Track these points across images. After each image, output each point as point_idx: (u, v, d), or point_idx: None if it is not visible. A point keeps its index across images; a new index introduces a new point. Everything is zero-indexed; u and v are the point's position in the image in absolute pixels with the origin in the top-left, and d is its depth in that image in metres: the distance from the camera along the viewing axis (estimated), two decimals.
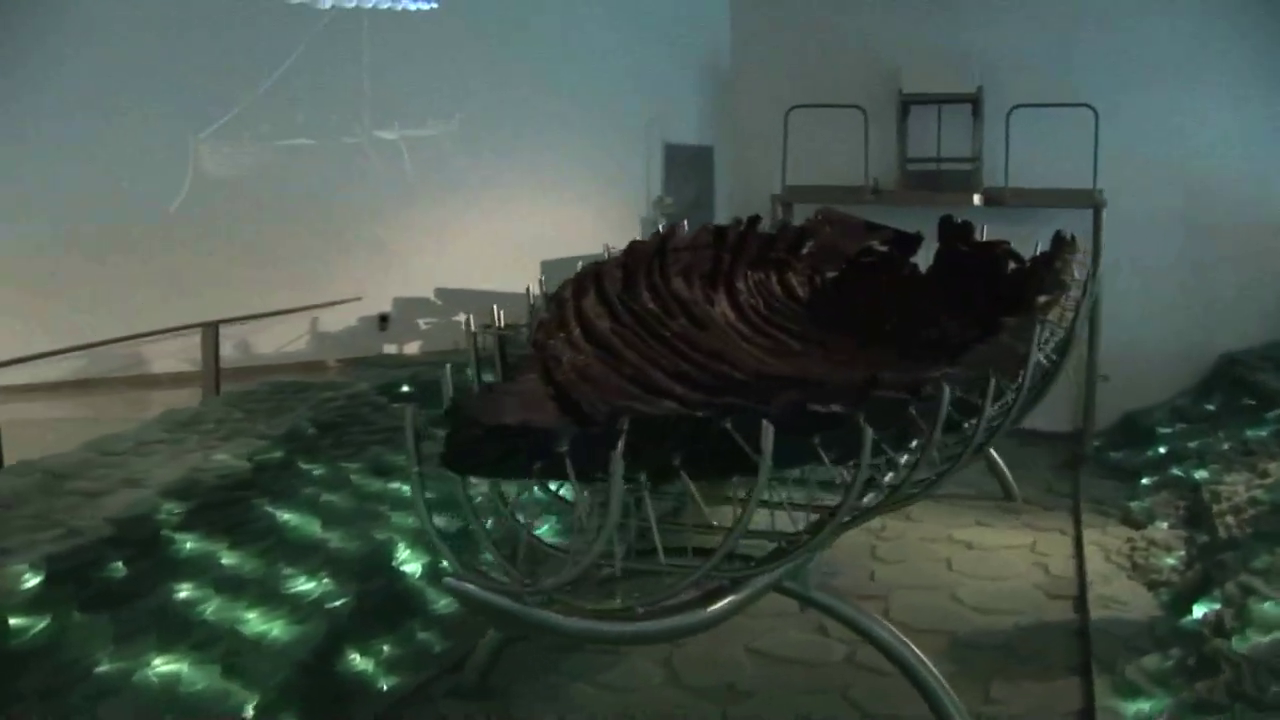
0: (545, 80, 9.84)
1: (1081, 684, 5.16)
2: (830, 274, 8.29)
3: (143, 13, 8.17)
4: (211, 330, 7.13)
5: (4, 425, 6.14)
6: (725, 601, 3.81)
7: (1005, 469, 8.10)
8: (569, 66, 9.98)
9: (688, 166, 10.60)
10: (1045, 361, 5.65)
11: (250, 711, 4.38)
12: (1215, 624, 5.28)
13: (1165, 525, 7.21)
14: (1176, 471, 8.00)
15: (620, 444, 2.99)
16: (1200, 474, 7.63)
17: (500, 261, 8.70)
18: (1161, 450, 8.62)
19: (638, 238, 6.83)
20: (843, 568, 6.73)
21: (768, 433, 3.28)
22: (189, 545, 5.09)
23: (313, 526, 5.75)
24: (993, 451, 8.08)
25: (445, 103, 9.57)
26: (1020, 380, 4.91)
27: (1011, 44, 9.45)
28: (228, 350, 7.92)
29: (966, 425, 4.58)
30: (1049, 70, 9.33)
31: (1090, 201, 9.09)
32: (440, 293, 9.35)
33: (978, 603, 6.18)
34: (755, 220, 7.67)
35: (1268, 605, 5.22)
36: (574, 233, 9.14)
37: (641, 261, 6.47)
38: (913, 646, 4.52)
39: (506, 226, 9.46)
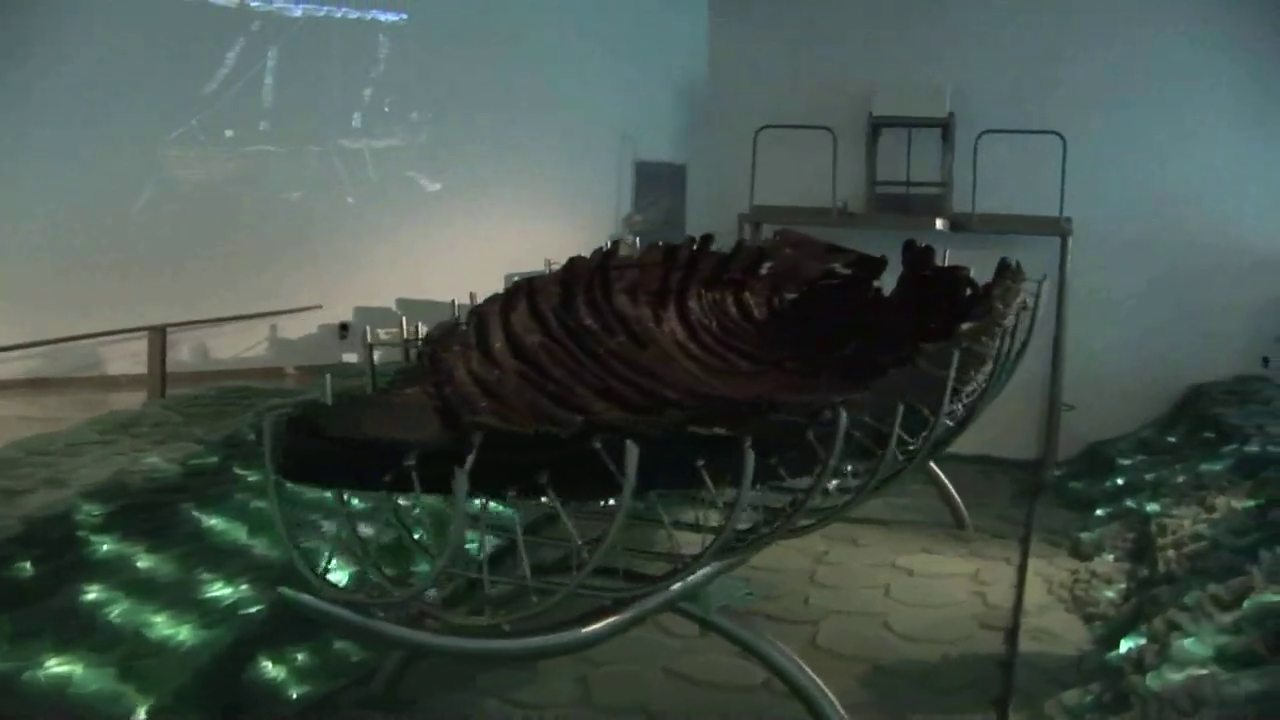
0: (515, 94, 9.86)
1: (996, 717, 5.10)
2: (790, 295, 8.28)
3: (106, 19, 8.19)
4: (158, 334, 7.13)
5: None
6: (604, 622, 3.77)
7: (956, 496, 8.05)
8: (540, 80, 10.01)
9: (660, 184, 10.61)
10: (973, 388, 5.62)
11: (142, 715, 4.35)
12: (1137, 660, 5.23)
13: (1111, 558, 7.14)
14: (1130, 503, 7.93)
15: (470, 460, 2.97)
16: (1152, 507, 7.56)
17: (465, 273, 8.66)
18: (1119, 481, 8.54)
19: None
20: (778, 590, 6.69)
21: (631, 453, 3.25)
22: (105, 547, 5.08)
23: (238, 533, 5.73)
24: (943, 477, 8.06)
25: (412, 114, 9.61)
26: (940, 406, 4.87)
27: (983, 70, 9.43)
28: (185, 355, 7.93)
29: (881, 453, 4.55)
30: (1019, 96, 9.31)
31: (1057, 229, 9.06)
32: (401, 303, 9.36)
33: (908, 631, 6.12)
34: (708, 239, 7.66)
35: (1188, 642, 5.15)
36: (541, 246, 9.12)
37: (581, 277, 6.46)
38: (810, 674, 4.47)
39: (472, 239, 9.46)
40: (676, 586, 4.18)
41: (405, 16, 9.29)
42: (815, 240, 8.65)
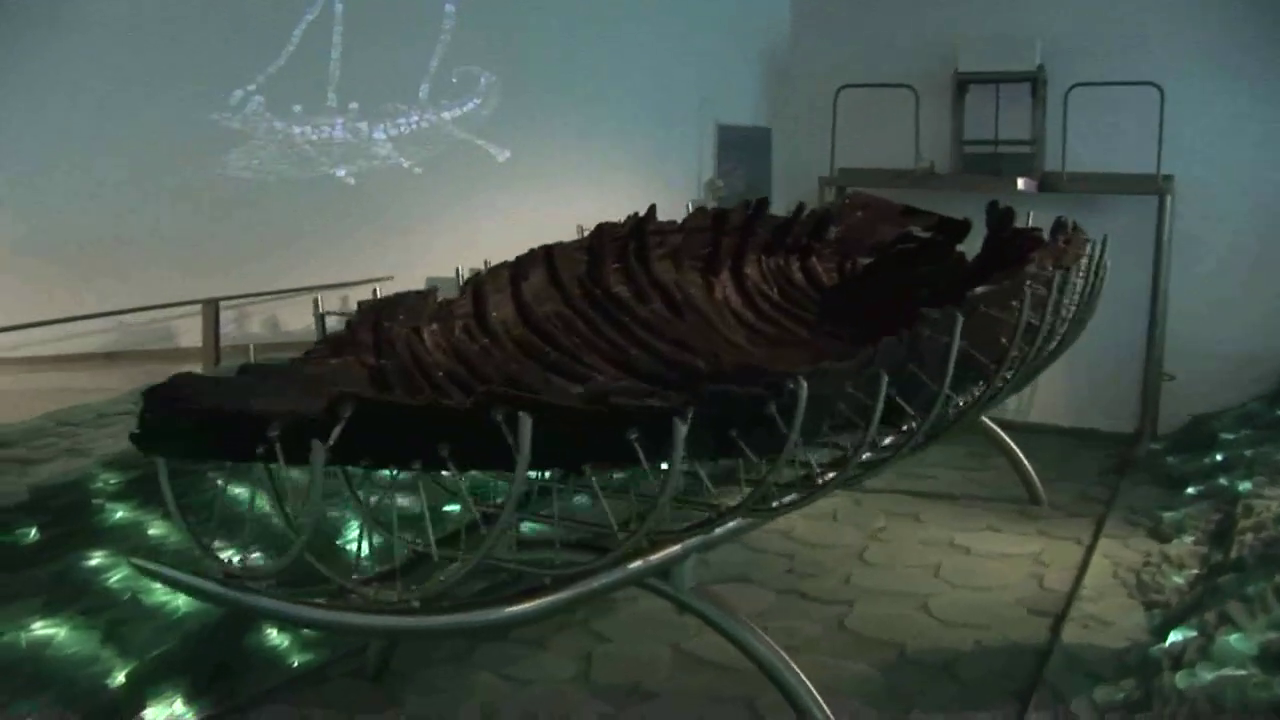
0: (590, 57, 9.58)
1: (1014, 713, 4.66)
2: (863, 261, 7.84)
3: None
4: (211, 307, 7.17)
5: None
6: (537, 601, 3.53)
7: (1030, 470, 7.49)
8: (616, 43, 9.69)
9: (743, 149, 10.20)
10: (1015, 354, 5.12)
11: (120, 678, 4.33)
12: (1178, 655, 4.71)
13: (1190, 540, 6.53)
14: (1223, 481, 7.25)
15: (337, 431, 2.77)
16: (1244, 485, 6.88)
17: (538, 243, 8.51)
18: (1218, 458, 7.83)
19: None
20: (820, 568, 6.33)
21: (524, 425, 2.99)
22: (117, 514, 5.08)
23: (261, 501, 5.68)
24: (1016, 450, 7.53)
25: (483, 80, 9.44)
26: (946, 375, 4.43)
27: (1074, 19, 8.69)
28: (256, 328, 7.98)
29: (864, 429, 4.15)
30: (1113, 47, 8.55)
31: (1154, 188, 8.33)
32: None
33: (947, 615, 5.68)
34: (764, 203, 7.28)
35: (1234, 638, 4.61)
36: (618, 215, 8.87)
37: (610, 244, 6.20)
38: (788, 660, 4.14)
39: (546, 207, 9.25)
40: (639, 563, 3.93)
41: None
42: (888, 203, 8.17)
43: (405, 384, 3.83)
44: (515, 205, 9.16)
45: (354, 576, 3.46)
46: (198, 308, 7.66)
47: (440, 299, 4.68)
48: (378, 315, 3.98)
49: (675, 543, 4.08)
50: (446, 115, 9.32)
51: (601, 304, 5.94)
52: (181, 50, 8.21)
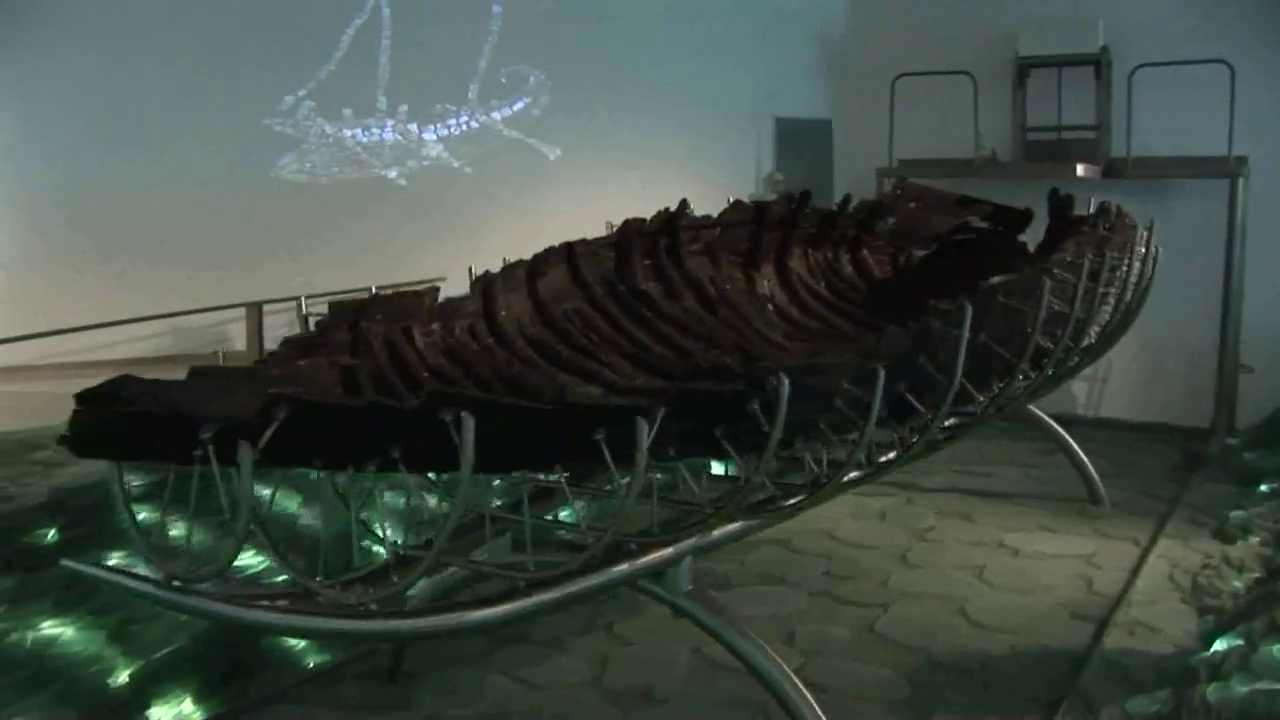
0: (641, 52, 9.40)
1: None
2: (918, 253, 7.57)
3: None
4: (255, 310, 7.22)
5: (41, 398, 6.41)
6: (507, 606, 3.40)
7: (1090, 467, 7.11)
8: (668, 37, 9.49)
9: (803, 141, 9.93)
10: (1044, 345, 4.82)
11: (124, 678, 4.34)
12: (1218, 664, 4.39)
13: (1256, 541, 6.14)
14: None
15: (269, 434, 2.68)
16: None
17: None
18: None
19: None
20: (859, 569, 6.09)
21: (467, 426, 2.86)
22: (139, 516, 5.10)
23: (288, 502, 5.67)
24: (1074, 446, 7.17)
25: (532, 79, 9.35)
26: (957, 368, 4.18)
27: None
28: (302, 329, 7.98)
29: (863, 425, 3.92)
30: (1180, 25, 8.10)
31: (1226, 170, 7.87)
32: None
33: (985, 619, 5.41)
34: (806, 196, 7.06)
35: (1277, 649, 4.29)
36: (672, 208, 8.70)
37: (637, 240, 6.05)
38: (785, 668, 3.95)
39: (598, 205, 9.10)
40: (625, 566, 3.78)
41: None
42: (942, 192, 7.86)
43: (379, 385, 3.74)
44: (568, 204, 9.04)
45: (317, 579, 3.38)
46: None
47: (442, 299, 4.58)
48: (355, 316, 3.90)
49: (666, 545, 3.93)
50: (496, 115, 9.26)
51: (627, 301, 5.80)
52: (232, 56, 8.28)
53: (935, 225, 7.59)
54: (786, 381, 3.44)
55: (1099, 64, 8.32)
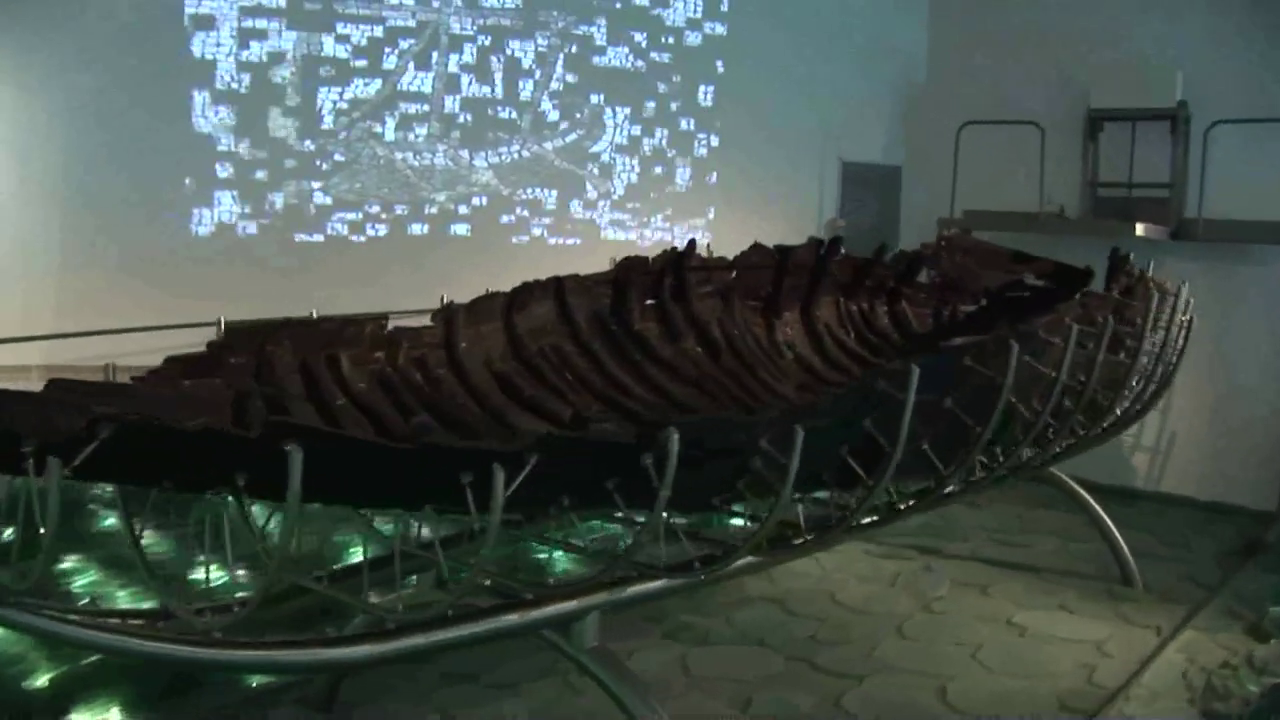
0: (707, 83, 9.22)
1: None
2: (966, 309, 7.19)
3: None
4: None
5: None
6: (359, 648, 3.25)
7: (1124, 547, 6.59)
8: (734, 73, 9.30)
9: (869, 187, 9.62)
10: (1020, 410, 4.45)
11: (44, 680, 4.33)
12: None
13: None
14: None
15: (87, 451, 2.60)
16: None
17: None
18: None
19: None
20: (848, 635, 5.75)
21: (294, 459, 2.74)
22: (107, 521, 5.16)
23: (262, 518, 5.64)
24: (1108, 522, 6.67)
25: (587, 110, 9.24)
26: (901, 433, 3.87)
27: (1218, 49, 7.72)
28: None
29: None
30: (1263, 79, 7.53)
31: None
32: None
33: (963, 703, 5.01)
34: (837, 242, 6.78)
35: None
36: (731, 250, 8.51)
37: (638, 279, 5.86)
38: None
39: (653, 240, 9.01)
40: (514, 616, 3.60)
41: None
42: (993, 246, 7.49)
43: (275, 410, 3.64)
44: (623, 238, 8.93)
45: (180, 603, 3.29)
46: None
47: (390, 328, 4.48)
48: (263, 339, 3.82)
49: (570, 597, 3.73)
50: (548, 145, 9.20)
51: (617, 340, 5.62)
52: (284, 78, 8.42)
53: (986, 280, 7.21)
54: (675, 437, 3.22)
55: (1175, 118, 7.81)
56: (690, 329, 5.99)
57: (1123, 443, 8.33)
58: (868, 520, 4.45)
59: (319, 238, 8.64)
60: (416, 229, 8.97)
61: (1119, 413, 5.58)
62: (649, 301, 5.95)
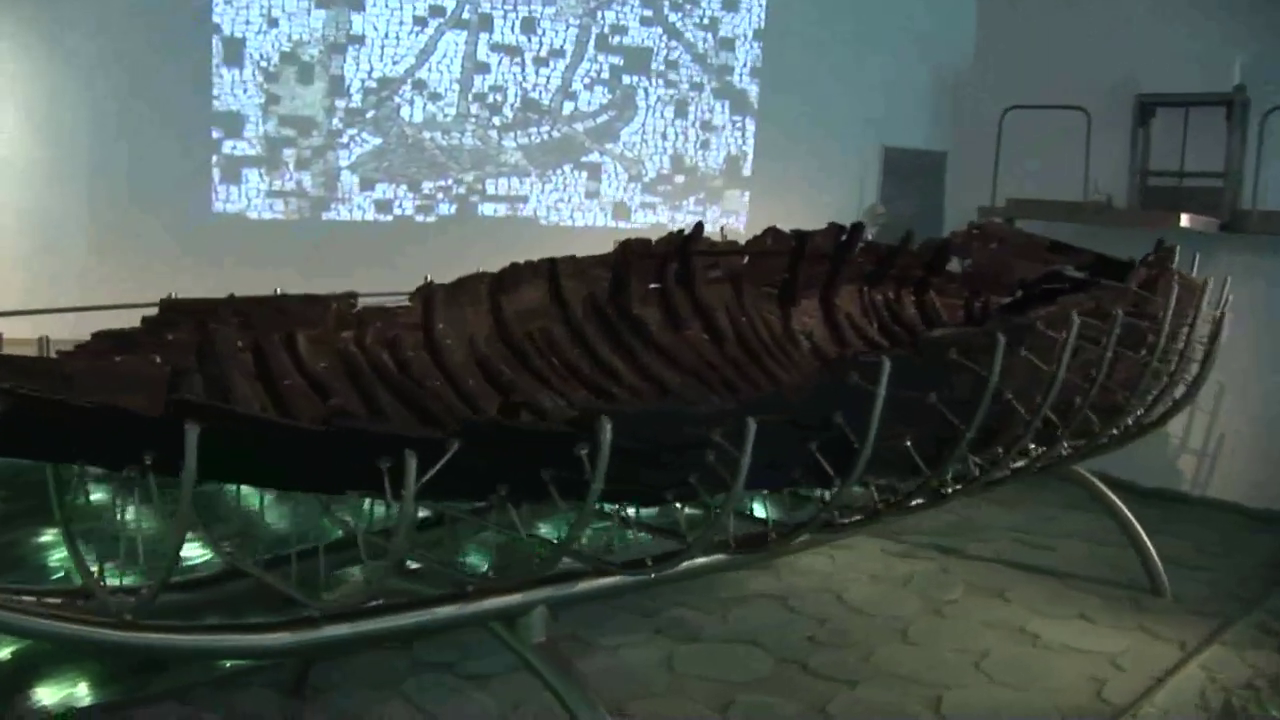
0: (745, 65, 8.93)
1: None
2: (999, 300, 6.86)
3: None
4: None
5: None
6: (274, 636, 3.11)
7: (1154, 555, 6.22)
8: (774, 57, 9.00)
9: (913, 174, 9.26)
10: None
11: (4, 654, 4.28)
12: None
13: None
14: None
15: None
16: None
17: None
18: None
19: None
20: (847, 638, 5.49)
21: (190, 435, 2.61)
22: (95, 497, 5.08)
23: (255, 499, 5.55)
24: (1138, 528, 6.30)
25: (618, 92, 9.00)
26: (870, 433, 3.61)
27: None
28: None
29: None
30: None
31: None
32: None
33: (957, 714, 4.72)
34: (859, 228, 6.48)
35: None
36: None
37: (638, 262, 5.64)
38: None
39: (686, 224, 8.73)
40: (453, 608, 3.44)
41: None
42: (1030, 235, 7.16)
43: (215, 389, 3.52)
44: (654, 221, 8.71)
45: (98, 582, 3.18)
46: None
47: (360, 307, 4.33)
48: (205, 316, 3.69)
49: (515, 590, 3.56)
50: (579, 126, 9.00)
51: (612, 325, 5.41)
52: (311, 55, 8.33)
53: (1020, 271, 6.86)
54: (608, 427, 3.02)
55: (1231, 104, 7.35)
56: (695, 315, 5.76)
57: (1168, 444, 7.93)
58: (848, 521, 4.21)
59: (345, 216, 8.55)
60: (444, 209, 8.83)
61: (1138, 413, 5.23)
62: (652, 286, 5.73)
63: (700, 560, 3.95)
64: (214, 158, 8.25)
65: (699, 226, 5.90)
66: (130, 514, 3.08)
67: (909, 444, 3.86)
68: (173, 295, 3.87)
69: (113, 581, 3.38)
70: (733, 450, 3.28)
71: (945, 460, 3.93)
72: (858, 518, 4.24)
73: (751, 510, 4.26)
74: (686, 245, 5.82)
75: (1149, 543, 6.24)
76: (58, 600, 3.26)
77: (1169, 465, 7.92)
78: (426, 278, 4.82)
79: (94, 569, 3.31)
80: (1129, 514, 6.26)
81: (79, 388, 3.15)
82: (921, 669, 5.16)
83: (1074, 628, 5.73)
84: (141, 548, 3.07)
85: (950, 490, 4.36)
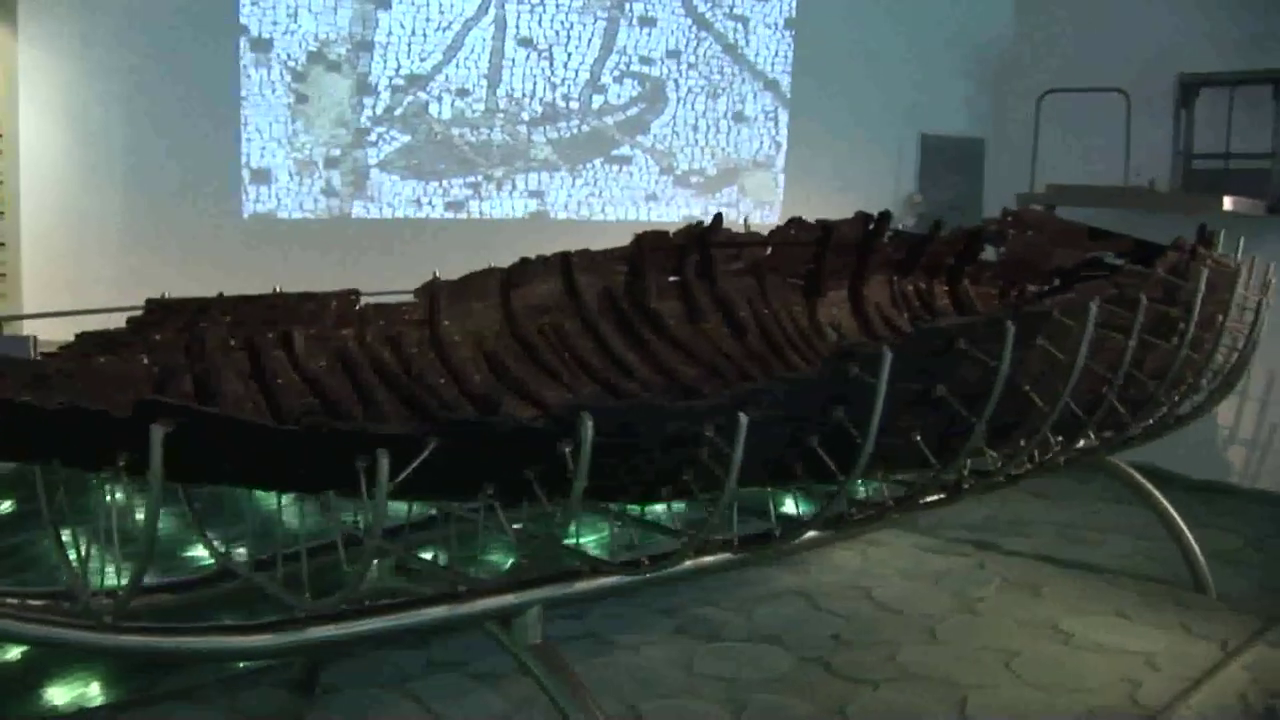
0: (776, 54, 8.75)
1: None
2: (1035, 289, 6.64)
3: None
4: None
5: None
6: (254, 638, 3.05)
7: (1197, 550, 5.97)
8: (807, 43, 8.79)
9: (951, 161, 9.02)
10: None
11: (15, 655, 4.27)
12: None
13: None
14: None
15: None
16: None
17: None
18: None
19: None
20: (871, 637, 5.33)
21: (154, 438, 2.55)
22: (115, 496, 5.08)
23: (271, 499, 5.53)
24: (1180, 523, 6.05)
25: (648, 84, 8.85)
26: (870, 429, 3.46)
27: None
28: None
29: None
30: None
31: None
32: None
33: (982, 716, 4.58)
34: (886, 217, 6.30)
35: None
36: None
37: (653, 255, 5.51)
38: None
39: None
40: (443, 609, 3.36)
41: None
42: (1067, 222, 6.90)
43: (202, 388, 3.46)
44: (687, 215, 8.56)
45: (81, 584, 3.14)
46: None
47: (362, 304, 4.27)
48: (192, 316, 3.63)
49: (509, 591, 3.47)
50: (609, 120, 8.88)
51: (627, 319, 5.30)
52: (339, 54, 8.31)
53: (1058, 259, 6.64)
54: (589, 423, 2.91)
55: (1278, 84, 7.05)
56: (715, 308, 5.63)
57: (1217, 435, 7.66)
58: (861, 516, 4.07)
59: (375, 214, 8.53)
60: (474, 206, 8.78)
61: (1172, 403, 5.01)
62: (671, 279, 5.62)
63: (707, 559, 3.86)
64: (244, 158, 8.26)
65: (718, 217, 5.77)
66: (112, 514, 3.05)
67: (918, 438, 3.71)
68: (218, 294, 3.88)
69: (110, 583, 3.35)
70: (724, 446, 3.16)
71: (956, 454, 3.77)
72: (870, 513, 4.10)
73: (776, 507, 4.12)
74: (706, 236, 5.70)
75: (1191, 537, 5.99)
76: (41, 602, 3.21)
77: (1218, 456, 7.65)
78: (435, 274, 4.75)
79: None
80: (1169, 506, 6.02)
81: (61, 389, 3.12)
82: (948, 669, 4.99)
83: (1110, 626, 5.52)
84: (118, 549, 3.00)
85: (967, 485, 4.19)
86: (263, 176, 8.35)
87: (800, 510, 4.09)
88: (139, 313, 3.54)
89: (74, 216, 7.66)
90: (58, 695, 4.32)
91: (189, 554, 4.98)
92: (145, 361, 3.46)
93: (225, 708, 4.43)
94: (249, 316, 3.78)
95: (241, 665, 4.74)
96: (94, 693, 4.41)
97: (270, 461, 2.87)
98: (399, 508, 3.74)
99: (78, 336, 3.45)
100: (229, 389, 3.55)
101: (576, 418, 2.91)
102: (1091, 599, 5.86)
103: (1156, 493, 6.05)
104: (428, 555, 3.89)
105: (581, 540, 5.49)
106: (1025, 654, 5.17)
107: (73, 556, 3.27)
